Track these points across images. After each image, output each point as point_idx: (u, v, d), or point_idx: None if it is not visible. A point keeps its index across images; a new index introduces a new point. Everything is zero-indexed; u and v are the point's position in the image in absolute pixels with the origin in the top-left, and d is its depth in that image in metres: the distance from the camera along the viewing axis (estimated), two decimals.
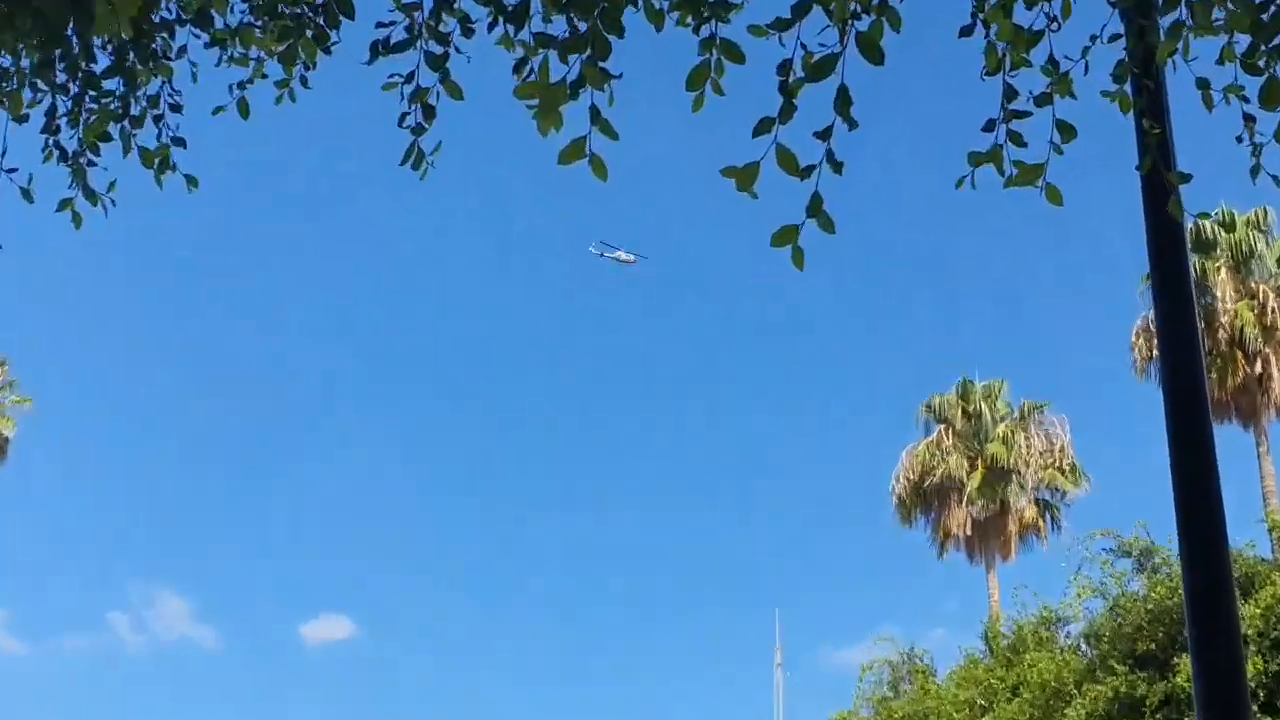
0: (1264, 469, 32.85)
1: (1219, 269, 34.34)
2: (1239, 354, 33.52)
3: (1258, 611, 17.36)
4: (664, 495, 67.87)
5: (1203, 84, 3.84)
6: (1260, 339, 33.24)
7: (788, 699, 44.97)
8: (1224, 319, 33.69)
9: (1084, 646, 20.72)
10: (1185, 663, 17.16)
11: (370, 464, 68.52)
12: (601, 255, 49.13)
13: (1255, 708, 16.55)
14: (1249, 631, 17.18)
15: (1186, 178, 3.75)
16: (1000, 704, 19.89)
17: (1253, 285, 34.42)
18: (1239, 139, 4.07)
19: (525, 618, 66.58)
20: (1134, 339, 35.42)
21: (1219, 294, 34.03)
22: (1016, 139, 3.90)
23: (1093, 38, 4.01)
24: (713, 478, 68.80)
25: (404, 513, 68.42)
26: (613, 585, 67.17)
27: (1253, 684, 16.55)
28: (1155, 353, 35.09)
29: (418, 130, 3.47)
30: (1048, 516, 40.47)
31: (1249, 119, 4.03)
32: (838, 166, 3.55)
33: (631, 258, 49.37)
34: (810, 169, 3.52)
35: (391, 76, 3.39)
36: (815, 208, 3.54)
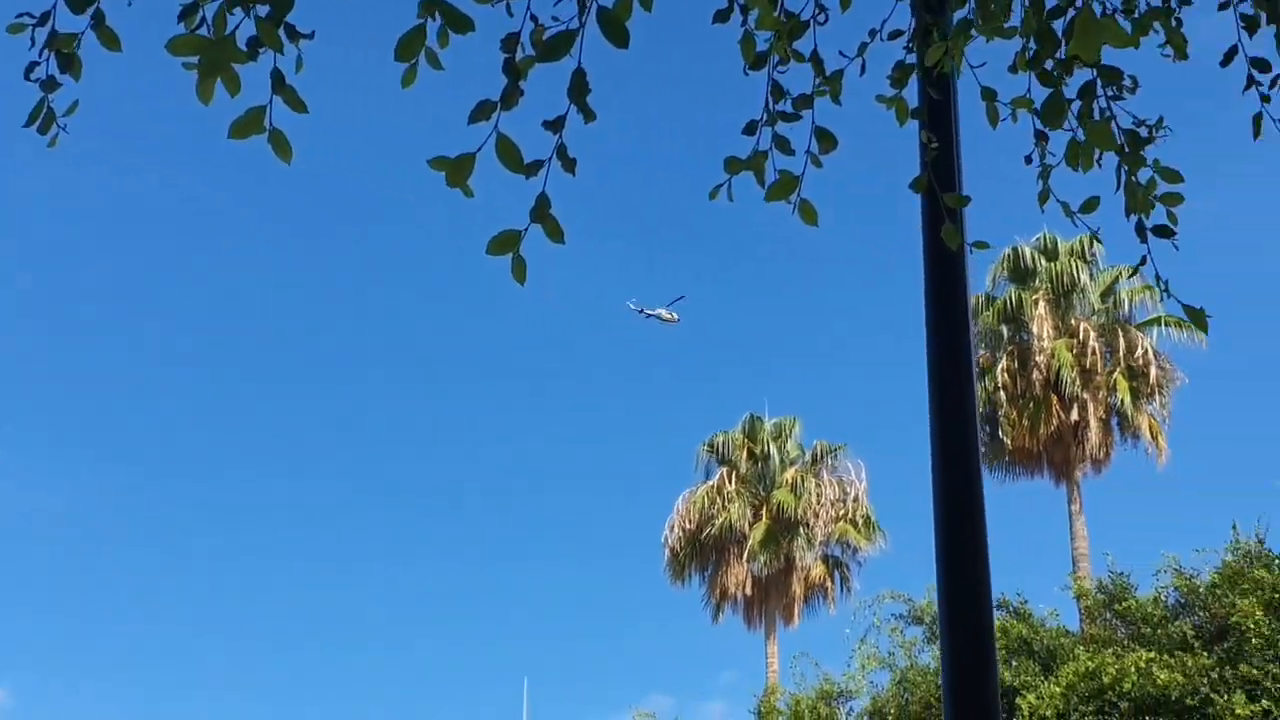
0: (1075, 529, 34.35)
1: (1037, 301, 35.78)
2: (1054, 399, 34.94)
3: (1058, 690, 18.16)
4: (404, 546, 67.35)
5: (988, 94, 3.98)
6: (1078, 383, 34.64)
7: None
8: (1039, 359, 35.09)
9: None
10: None
11: None
12: (640, 312, 48.09)
13: None
14: (1048, 713, 17.97)
15: (964, 200, 3.86)
16: None
17: (1073, 322, 35.95)
18: (1028, 159, 4.24)
19: (253, 684, 65.24)
20: None
21: (1036, 330, 35.49)
22: (783, 145, 3.97)
23: (872, 33, 4.13)
24: (459, 522, 68.40)
25: None
26: (369, 647, 66.22)
27: None
28: None
29: (49, 85, 3.31)
30: (837, 576, 41.49)
31: (1040, 136, 4.20)
32: (570, 164, 3.55)
33: (675, 317, 48.85)
34: (537, 165, 3.51)
35: (20, 16, 3.23)
36: (541, 212, 3.53)
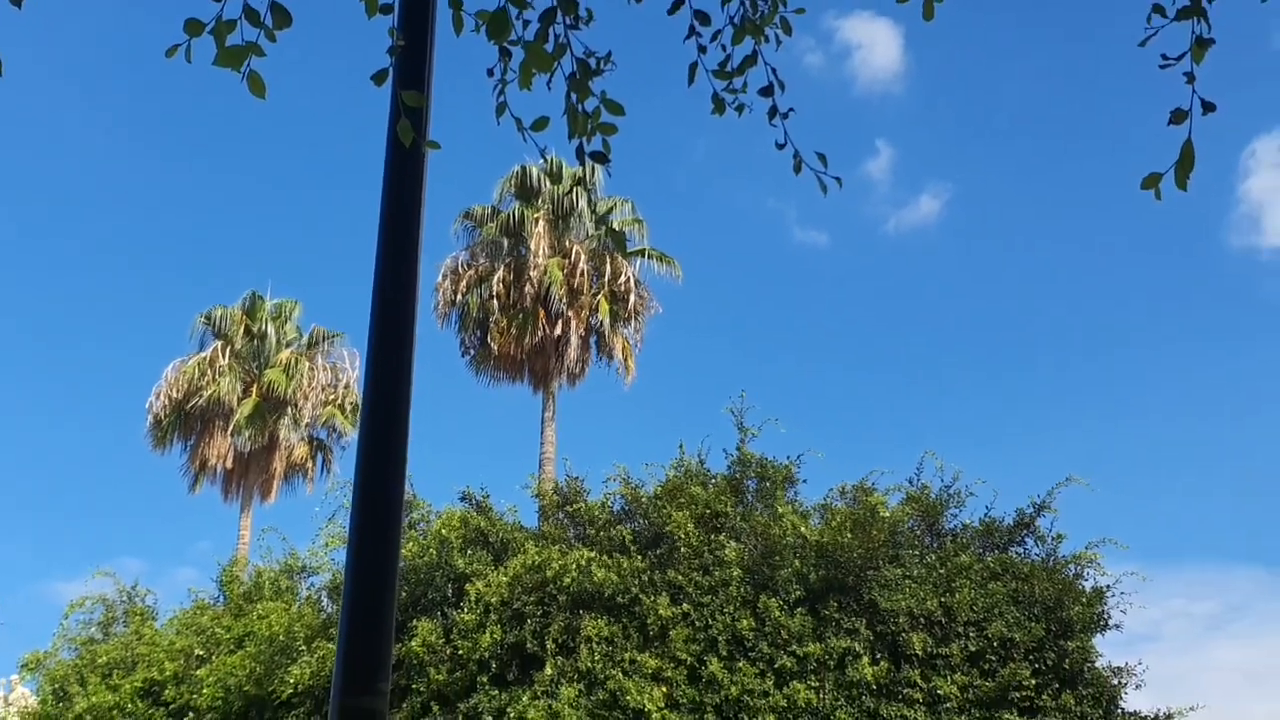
0: (546, 435, 35.50)
1: (537, 220, 36.56)
2: (542, 312, 35.88)
3: (505, 580, 18.72)
4: None
5: (455, 3, 3.97)
6: (565, 300, 35.69)
7: None
8: (533, 274, 35.90)
9: (325, 600, 21.35)
10: (423, 626, 18.21)
11: None
12: None
13: (485, 679, 17.88)
14: (493, 599, 18.51)
15: (421, 99, 3.83)
16: (221, 655, 20.03)
17: (568, 243, 36.95)
18: (489, 71, 4.25)
19: None
20: (440, 279, 36.98)
21: (533, 247, 36.23)
22: (253, 16, 3.83)
23: None
24: None
25: None
26: None
27: (487, 654, 17.88)
28: (459, 296, 36.84)
29: None
30: (319, 457, 41.32)
31: (503, 52, 4.21)
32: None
33: None
34: None
35: None
36: None
